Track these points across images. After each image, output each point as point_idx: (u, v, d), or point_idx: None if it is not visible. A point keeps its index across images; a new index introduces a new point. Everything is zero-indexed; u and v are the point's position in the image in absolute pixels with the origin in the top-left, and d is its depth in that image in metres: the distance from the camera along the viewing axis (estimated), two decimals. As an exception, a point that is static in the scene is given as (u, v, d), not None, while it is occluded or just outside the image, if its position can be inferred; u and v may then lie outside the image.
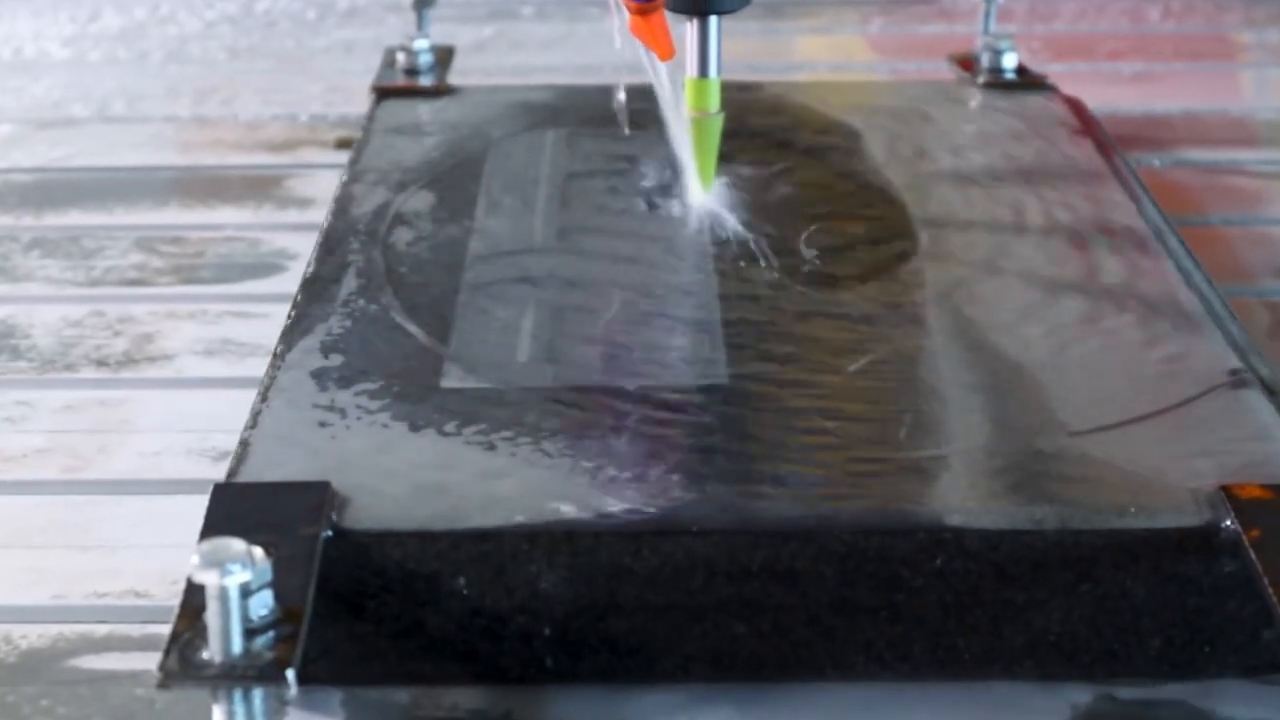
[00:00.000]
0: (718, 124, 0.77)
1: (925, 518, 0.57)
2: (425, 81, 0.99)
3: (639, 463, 0.60)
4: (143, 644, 0.61)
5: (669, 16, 0.74)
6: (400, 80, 0.99)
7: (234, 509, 0.57)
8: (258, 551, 0.51)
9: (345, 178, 0.85)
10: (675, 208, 0.79)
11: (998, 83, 0.98)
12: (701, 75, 0.77)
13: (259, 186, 1.00)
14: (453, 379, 0.66)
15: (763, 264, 0.73)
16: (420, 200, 0.82)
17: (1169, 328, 0.69)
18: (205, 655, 0.51)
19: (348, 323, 0.70)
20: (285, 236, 0.93)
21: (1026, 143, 0.90)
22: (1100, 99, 1.06)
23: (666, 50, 0.75)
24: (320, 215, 0.83)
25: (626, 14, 0.74)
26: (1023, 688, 0.56)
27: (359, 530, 0.57)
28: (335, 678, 0.56)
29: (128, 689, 0.59)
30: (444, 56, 1.02)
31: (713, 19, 0.76)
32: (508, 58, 1.23)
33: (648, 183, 0.82)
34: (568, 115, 0.93)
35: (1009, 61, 0.98)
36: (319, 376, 0.66)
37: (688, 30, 0.76)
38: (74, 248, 0.92)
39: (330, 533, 0.56)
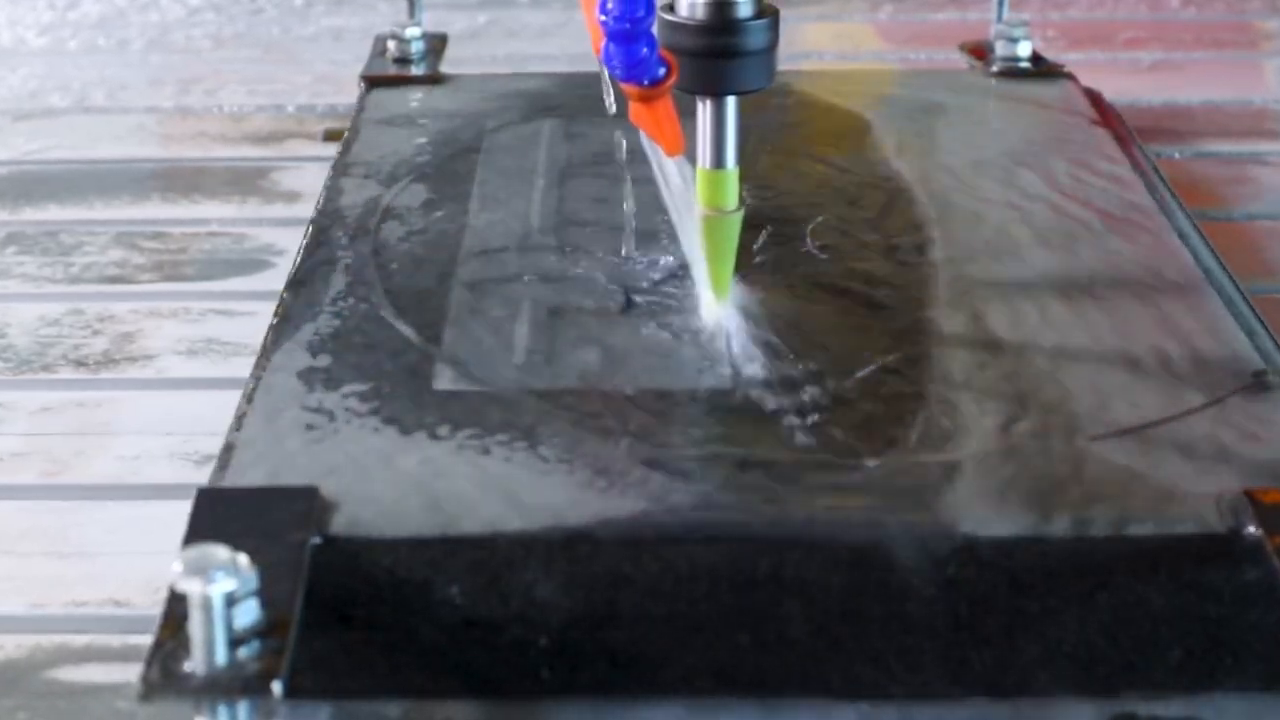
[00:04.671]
0: (735, 223, 0.68)
1: (937, 525, 0.57)
2: (417, 71, 0.99)
3: (638, 468, 0.60)
4: (123, 655, 0.61)
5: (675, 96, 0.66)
6: (391, 69, 0.99)
7: (218, 515, 0.57)
8: (243, 559, 0.51)
9: (334, 171, 0.85)
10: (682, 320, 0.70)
11: (1012, 72, 0.98)
12: (716, 166, 0.68)
13: (244, 180, 1.00)
14: (445, 381, 0.66)
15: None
16: (411, 194, 0.82)
17: (1190, 327, 0.69)
18: (188, 667, 0.51)
19: (336, 322, 0.70)
20: (271, 232, 0.93)
21: (1041, 134, 0.90)
22: (1118, 89, 1.06)
23: (674, 142, 0.66)
24: (308, 210, 0.83)
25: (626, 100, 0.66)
26: (1035, 701, 0.56)
27: (348, 537, 0.57)
28: (324, 690, 0.56)
29: (108, 702, 0.59)
30: (436, 45, 1.02)
31: (730, 100, 0.67)
32: (502, 46, 1.24)
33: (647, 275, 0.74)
34: (564, 105, 0.93)
35: (1023, 50, 0.98)
36: (306, 377, 0.66)
37: (700, 113, 0.67)
38: (52, 243, 0.92)
39: (318, 539, 0.56)
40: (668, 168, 0.68)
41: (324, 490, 0.58)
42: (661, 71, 0.64)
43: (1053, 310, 0.71)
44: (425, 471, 0.60)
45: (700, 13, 0.65)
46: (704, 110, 0.67)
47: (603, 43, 0.64)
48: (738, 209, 0.68)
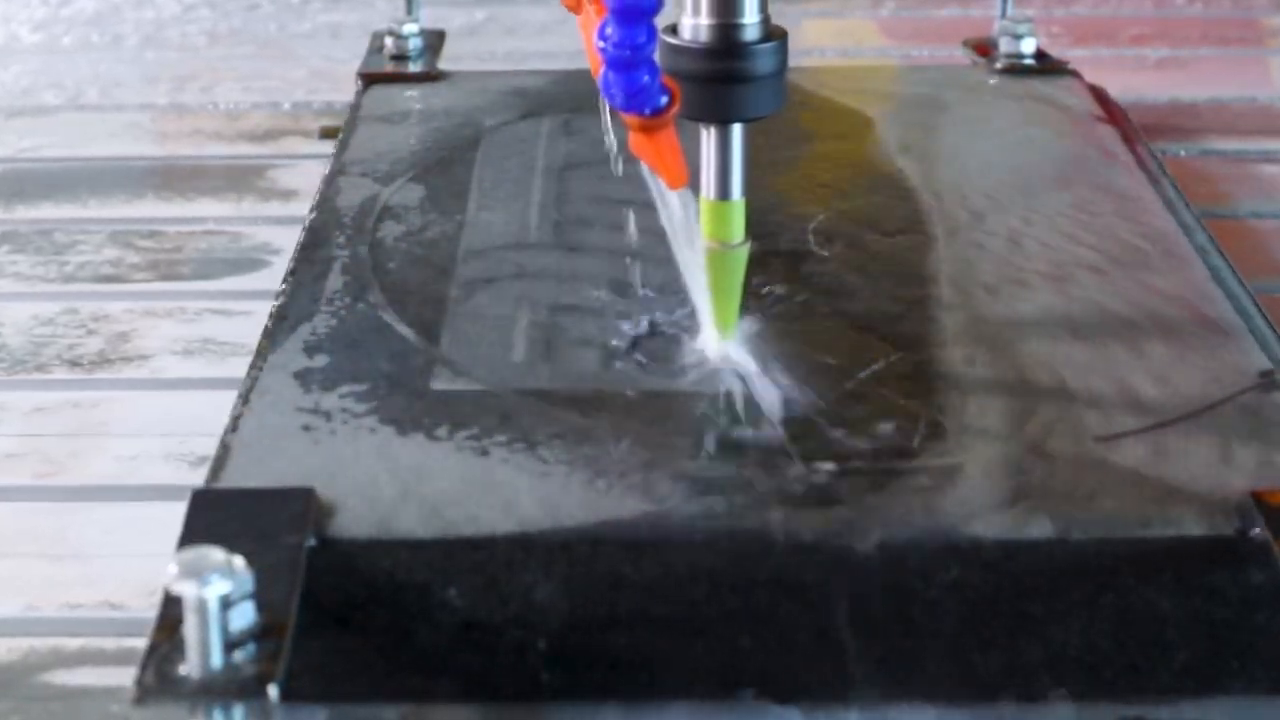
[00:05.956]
0: (741, 258, 0.66)
1: (941, 527, 0.57)
2: (414, 68, 0.99)
3: (639, 468, 0.60)
4: (118, 658, 0.61)
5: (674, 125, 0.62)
6: (388, 66, 0.99)
7: (214, 516, 0.57)
8: (238, 561, 0.51)
9: (330, 169, 0.85)
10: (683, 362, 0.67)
11: (1016, 69, 0.98)
12: (721, 197, 0.65)
13: (240, 178, 1.00)
14: (443, 381, 0.66)
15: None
16: (409, 192, 0.82)
17: (1196, 327, 0.69)
18: (183, 670, 0.51)
19: (333, 321, 0.70)
20: (268, 230, 0.93)
21: (1046, 132, 0.90)
22: (1123, 86, 1.06)
23: (677, 174, 0.63)
24: (304, 208, 0.83)
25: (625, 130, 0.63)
26: (1040, 705, 0.56)
27: (345, 539, 0.57)
28: (320, 694, 0.56)
29: (102, 705, 0.59)
30: (434, 41, 1.02)
31: (736, 128, 0.64)
32: (501, 43, 1.23)
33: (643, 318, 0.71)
34: (563, 102, 0.93)
35: (1027, 46, 0.98)
36: (303, 378, 0.66)
37: (704, 141, 0.64)
38: (45, 242, 0.92)
39: (315, 541, 0.56)
40: (669, 198, 0.65)
41: (321, 492, 0.58)
42: (664, 100, 0.61)
43: (1055, 309, 0.71)
44: (423, 473, 0.60)
45: (705, 35, 0.63)
46: (709, 138, 0.65)
47: (601, 70, 0.61)
48: (744, 242, 0.66)
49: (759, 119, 0.64)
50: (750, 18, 0.63)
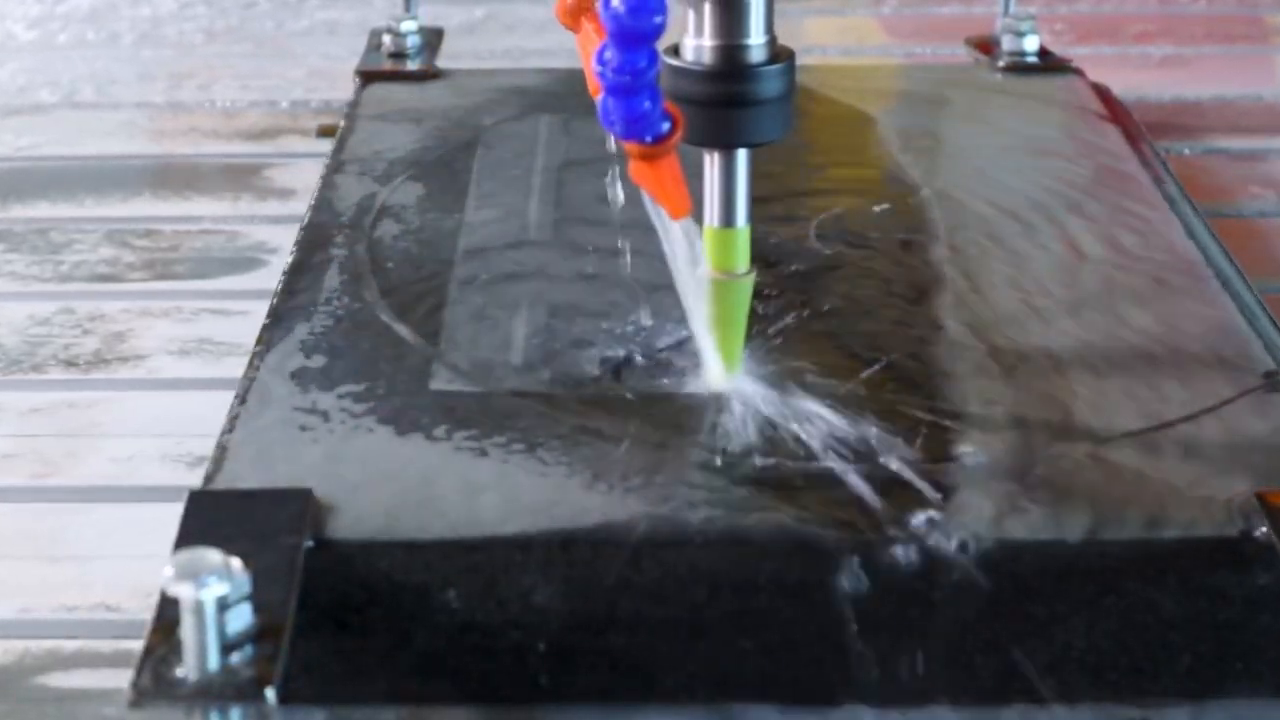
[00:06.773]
0: (746, 288, 0.63)
1: (942, 529, 0.57)
2: (412, 65, 0.99)
3: (638, 470, 0.60)
4: (114, 660, 0.61)
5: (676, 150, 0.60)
6: (386, 64, 0.99)
7: (210, 518, 0.57)
8: (235, 562, 0.51)
9: (328, 167, 0.85)
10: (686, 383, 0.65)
11: (1019, 66, 0.98)
12: (725, 225, 0.62)
13: (237, 177, 1.00)
14: (442, 381, 0.66)
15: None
16: (407, 191, 0.82)
17: (1200, 327, 0.69)
18: (180, 673, 0.51)
19: (330, 321, 0.70)
20: (265, 229, 0.93)
21: (1049, 131, 0.90)
22: (1127, 84, 1.06)
23: (679, 204, 0.60)
24: (302, 207, 0.83)
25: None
26: (1043, 708, 0.56)
27: (343, 540, 0.57)
28: (318, 696, 0.56)
29: (97, 708, 0.59)
30: (432, 39, 1.02)
31: (741, 153, 0.62)
32: (500, 40, 1.23)
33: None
34: (562, 101, 0.93)
35: (1030, 44, 0.99)
36: (300, 378, 0.66)
37: (708, 166, 0.62)
38: (41, 241, 0.92)
39: (312, 543, 0.56)
40: (671, 226, 0.63)
41: (318, 492, 0.58)
42: (665, 127, 0.58)
43: (1059, 308, 0.71)
44: (421, 473, 0.60)
45: (708, 57, 0.60)
46: (712, 164, 0.62)
47: (600, 96, 0.58)
48: (749, 272, 0.63)
49: (766, 143, 0.62)
50: (756, 38, 0.61)
